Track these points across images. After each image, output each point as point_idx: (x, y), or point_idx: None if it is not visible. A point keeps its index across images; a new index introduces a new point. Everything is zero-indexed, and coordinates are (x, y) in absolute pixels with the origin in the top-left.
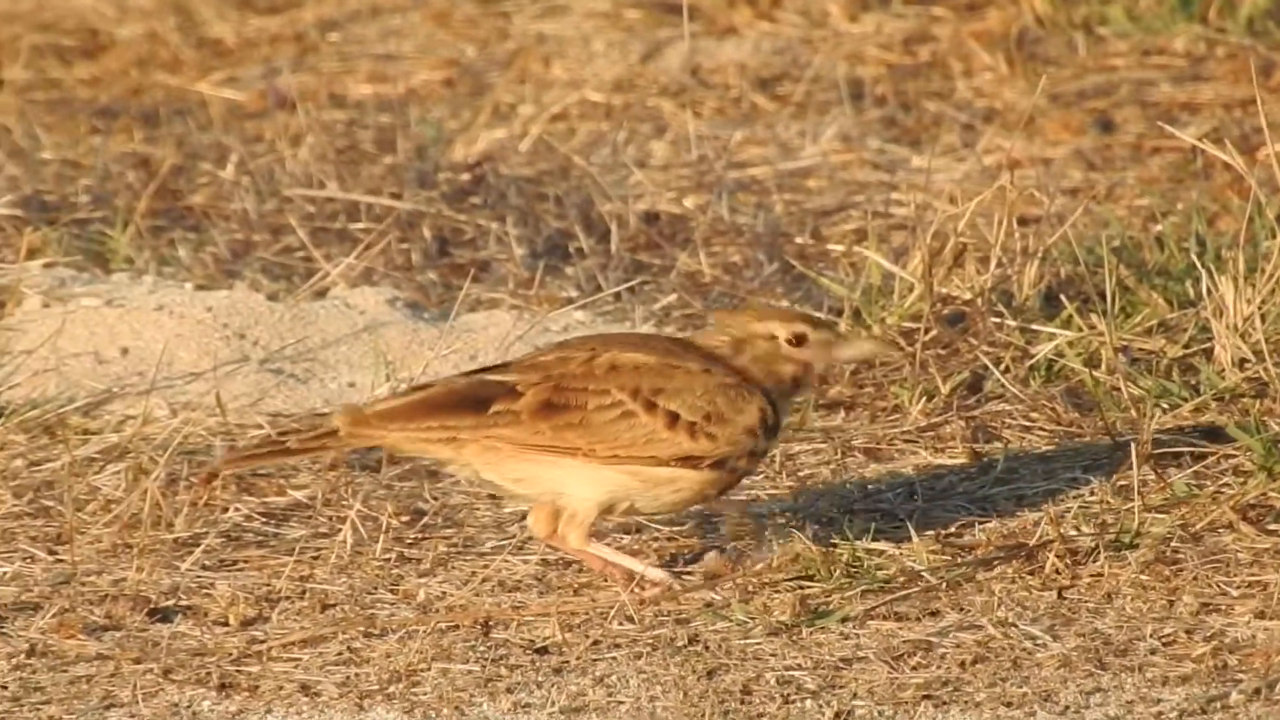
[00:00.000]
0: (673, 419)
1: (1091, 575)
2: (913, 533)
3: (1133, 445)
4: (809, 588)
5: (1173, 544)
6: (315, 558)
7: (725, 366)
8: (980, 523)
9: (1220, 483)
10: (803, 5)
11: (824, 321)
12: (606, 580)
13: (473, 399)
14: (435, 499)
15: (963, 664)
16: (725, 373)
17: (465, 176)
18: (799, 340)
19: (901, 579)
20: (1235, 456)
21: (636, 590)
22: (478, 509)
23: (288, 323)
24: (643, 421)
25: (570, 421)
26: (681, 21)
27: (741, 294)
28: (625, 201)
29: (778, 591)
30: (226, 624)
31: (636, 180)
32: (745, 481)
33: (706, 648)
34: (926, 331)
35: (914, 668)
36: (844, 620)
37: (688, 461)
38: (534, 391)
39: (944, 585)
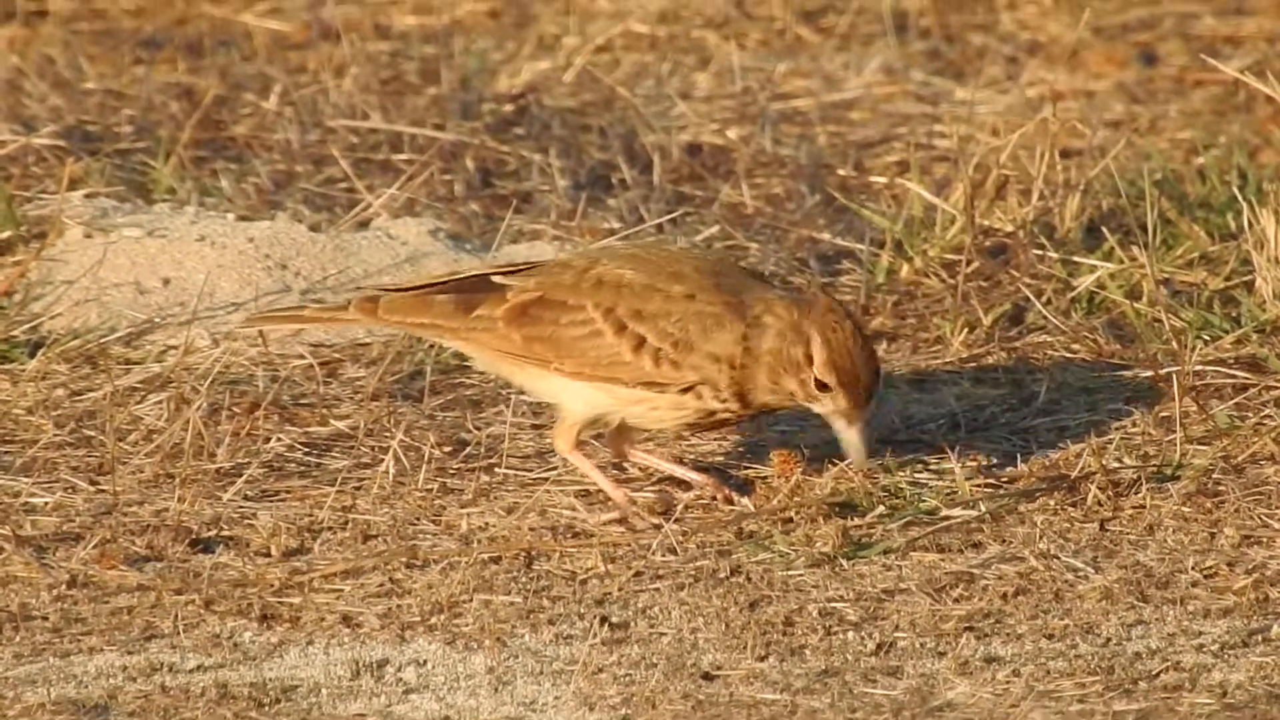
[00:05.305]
0: (639, 343)
1: (1133, 507)
2: (955, 464)
3: (1174, 377)
4: (851, 519)
5: (1214, 476)
6: (357, 488)
7: (743, 319)
8: (1022, 454)
9: (1262, 414)
10: None
11: (865, 396)
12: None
13: (465, 299)
14: (478, 429)
15: (1004, 596)
16: (714, 300)
17: (509, 107)
18: (822, 386)
19: (943, 511)
20: (1276, 388)
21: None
22: (520, 439)
23: (330, 253)
24: (609, 342)
25: (541, 334)
26: None
27: (784, 225)
28: (668, 133)
29: (820, 523)
30: (268, 555)
31: (680, 112)
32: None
33: (749, 579)
34: (968, 263)
35: (956, 599)
36: (886, 552)
37: (652, 386)
38: (515, 299)
39: (986, 517)
